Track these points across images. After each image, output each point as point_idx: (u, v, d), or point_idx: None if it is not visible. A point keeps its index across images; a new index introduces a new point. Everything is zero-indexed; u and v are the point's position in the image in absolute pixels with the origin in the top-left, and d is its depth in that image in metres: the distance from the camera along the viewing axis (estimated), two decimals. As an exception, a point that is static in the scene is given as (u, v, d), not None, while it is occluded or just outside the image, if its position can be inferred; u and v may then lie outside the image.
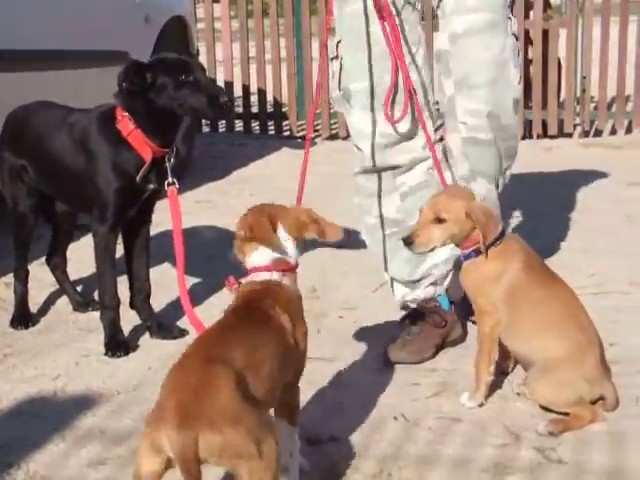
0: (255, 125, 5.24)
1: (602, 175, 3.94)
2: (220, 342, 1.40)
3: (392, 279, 2.40)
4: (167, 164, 2.10)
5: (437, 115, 2.29)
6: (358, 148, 2.29)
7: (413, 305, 2.37)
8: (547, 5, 4.87)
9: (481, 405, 1.91)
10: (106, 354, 2.16)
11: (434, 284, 2.35)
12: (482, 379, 1.90)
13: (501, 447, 1.76)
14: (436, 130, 2.25)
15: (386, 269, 2.39)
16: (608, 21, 4.74)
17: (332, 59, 2.32)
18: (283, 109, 5.19)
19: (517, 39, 2.25)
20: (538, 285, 1.86)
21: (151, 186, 2.16)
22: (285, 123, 5.20)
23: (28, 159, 2.26)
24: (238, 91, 5.15)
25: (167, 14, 4.13)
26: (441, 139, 2.29)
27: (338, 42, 2.27)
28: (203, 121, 5.12)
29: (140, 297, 2.32)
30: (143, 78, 2.08)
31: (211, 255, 2.84)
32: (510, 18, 2.22)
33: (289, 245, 1.50)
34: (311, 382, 1.94)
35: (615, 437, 1.79)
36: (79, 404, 2.02)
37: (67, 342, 2.33)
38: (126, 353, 2.18)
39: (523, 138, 4.62)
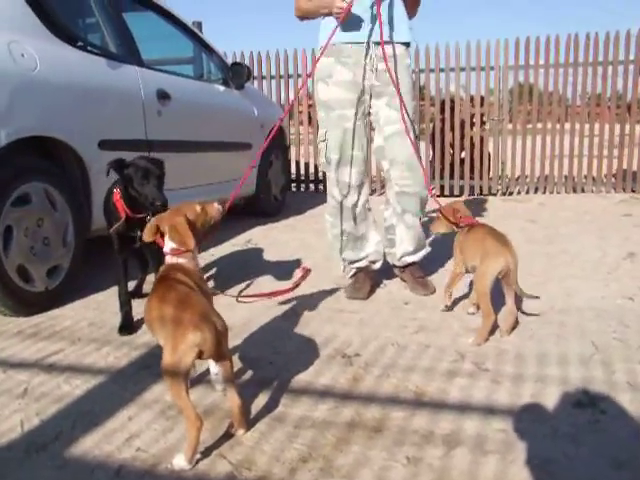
0: (320, 186, 8.43)
1: (512, 216, 6.16)
2: (176, 286, 1.96)
3: (344, 259, 3.62)
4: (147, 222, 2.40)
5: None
6: (331, 194, 3.50)
7: (357, 268, 3.60)
8: (482, 122, 7.87)
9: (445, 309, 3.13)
10: None
11: (372, 261, 3.61)
12: (447, 292, 3.14)
13: (453, 362, 2.56)
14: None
15: (341, 254, 3.60)
16: (514, 135, 7.72)
17: (321, 141, 3.45)
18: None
19: (418, 139, 3.44)
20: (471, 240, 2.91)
21: (132, 234, 2.98)
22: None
23: None
24: (311, 168, 8.38)
25: (272, 123, 5.92)
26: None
27: (325, 132, 3.41)
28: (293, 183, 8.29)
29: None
30: (122, 169, 2.90)
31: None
32: (414, 127, 3.36)
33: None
34: (344, 323, 3.39)
35: (518, 356, 2.60)
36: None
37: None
38: None
39: (469, 196, 7.62)
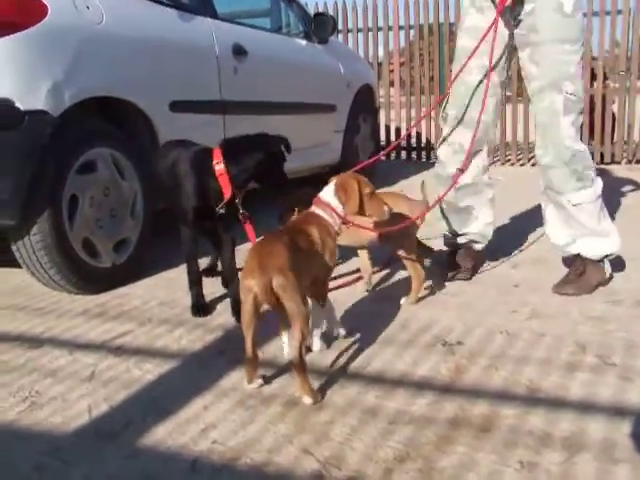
0: (413, 154, 8.39)
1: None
2: (282, 237, 2.27)
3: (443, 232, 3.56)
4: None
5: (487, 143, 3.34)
6: (438, 154, 3.44)
7: (456, 244, 3.52)
8: (605, 77, 7.55)
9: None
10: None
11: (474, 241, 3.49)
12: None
13: (572, 354, 2.50)
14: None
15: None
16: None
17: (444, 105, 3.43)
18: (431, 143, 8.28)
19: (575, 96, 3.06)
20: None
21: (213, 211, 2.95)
22: (433, 154, 8.22)
23: None
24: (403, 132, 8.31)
25: (360, 82, 6.31)
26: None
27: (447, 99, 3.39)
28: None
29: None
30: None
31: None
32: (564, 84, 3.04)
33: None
34: (444, 307, 3.29)
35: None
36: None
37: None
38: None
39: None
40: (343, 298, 3.13)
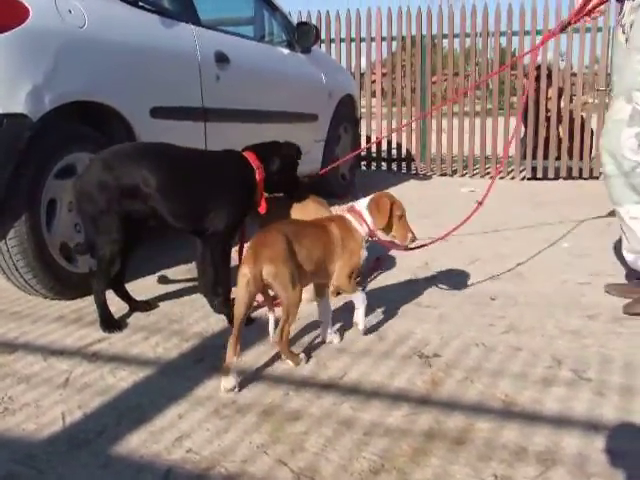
0: (394, 166, 8.44)
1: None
2: (288, 228, 2.55)
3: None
4: None
5: None
6: None
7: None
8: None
9: None
10: None
11: None
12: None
13: (548, 368, 2.50)
14: None
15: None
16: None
17: None
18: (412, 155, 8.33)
19: None
20: None
21: None
22: (413, 165, 8.33)
23: None
24: (384, 146, 8.37)
25: (342, 92, 6.31)
26: None
27: None
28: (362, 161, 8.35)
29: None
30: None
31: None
32: None
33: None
34: (421, 319, 3.28)
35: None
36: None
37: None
38: None
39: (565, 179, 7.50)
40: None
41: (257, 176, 3.03)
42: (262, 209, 3.06)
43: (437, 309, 3.17)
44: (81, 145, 3.32)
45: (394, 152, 8.47)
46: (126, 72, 3.55)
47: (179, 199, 2.90)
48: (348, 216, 2.76)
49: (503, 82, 7.97)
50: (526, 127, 7.77)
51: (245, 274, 2.39)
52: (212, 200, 2.93)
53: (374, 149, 8.46)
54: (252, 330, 2.74)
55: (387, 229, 2.79)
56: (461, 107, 8.23)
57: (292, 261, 2.46)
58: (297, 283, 2.46)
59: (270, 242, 2.45)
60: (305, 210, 3.14)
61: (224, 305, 2.98)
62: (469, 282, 3.61)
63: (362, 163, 8.41)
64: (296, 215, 3.13)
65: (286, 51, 5.39)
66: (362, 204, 2.78)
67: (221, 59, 4.27)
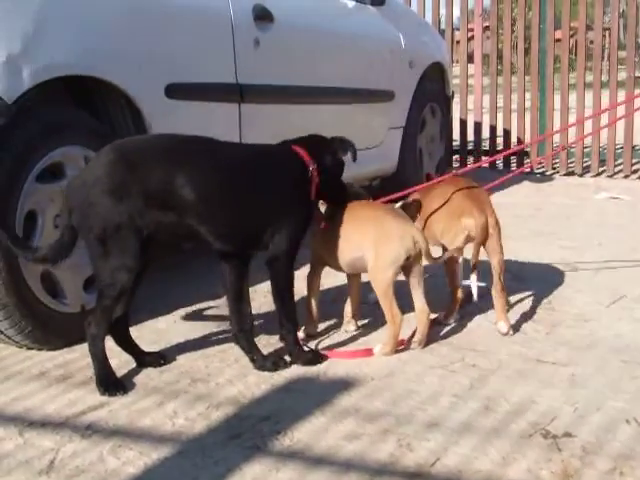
0: (499, 161, 8.41)
1: None
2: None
3: None
4: None
5: None
6: None
7: None
8: None
9: None
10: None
11: None
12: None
13: None
14: None
15: None
16: None
17: None
18: (526, 149, 8.23)
19: None
20: None
21: None
22: (526, 160, 8.25)
23: None
24: (485, 133, 8.34)
25: (428, 59, 6.42)
26: None
27: None
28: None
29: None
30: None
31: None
32: None
33: None
34: (545, 382, 2.99)
35: None
36: (338, 385, 2.98)
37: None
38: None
39: None
40: (399, 362, 3.14)
41: (314, 179, 3.08)
42: (321, 223, 3.16)
43: (568, 367, 3.14)
44: (72, 136, 3.37)
45: (499, 142, 8.42)
46: (131, 37, 3.61)
47: (229, 212, 2.94)
48: None
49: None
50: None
51: (469, 225, 3.32)
52: (271, 212, 2.98)
53: (472, 137, 8.43)
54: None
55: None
56: (596, 76, 8.09)
57: None
58: None
59: (483, 197, 3.49)
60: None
61: (294, 343, 3.15)
62: (612, 330, 3.57)
63: (454, 158, 8.42)
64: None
65: (351, 3, 5.41)
66: None
67: (262, 16, 4.30)
